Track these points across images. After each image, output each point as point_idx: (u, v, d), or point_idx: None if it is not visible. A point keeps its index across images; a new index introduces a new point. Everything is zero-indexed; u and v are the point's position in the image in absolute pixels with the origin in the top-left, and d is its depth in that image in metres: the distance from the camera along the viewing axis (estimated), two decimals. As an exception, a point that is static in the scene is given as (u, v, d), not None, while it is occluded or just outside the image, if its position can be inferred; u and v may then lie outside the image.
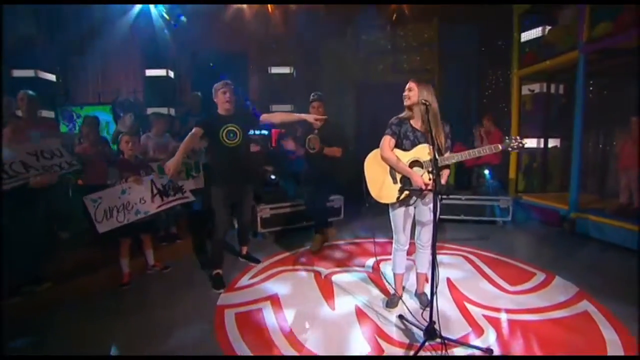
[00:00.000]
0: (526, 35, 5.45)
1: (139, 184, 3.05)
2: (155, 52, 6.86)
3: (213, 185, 3.09)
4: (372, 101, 7.37)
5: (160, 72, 7.06)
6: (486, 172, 5.03)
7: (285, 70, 7.48)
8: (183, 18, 6.63)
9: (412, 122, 2.44)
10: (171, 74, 7.10)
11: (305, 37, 7.17)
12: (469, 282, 3.15)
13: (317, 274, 3.33)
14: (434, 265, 2.01)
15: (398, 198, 2.16)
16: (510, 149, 2.26)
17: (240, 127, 3.05)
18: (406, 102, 2.41)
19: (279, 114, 3.39)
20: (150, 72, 7.03)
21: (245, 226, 3.55)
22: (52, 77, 6.84)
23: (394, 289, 2.78)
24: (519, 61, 5.48)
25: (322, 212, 4.06)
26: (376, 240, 4.22)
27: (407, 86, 2.41)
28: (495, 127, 5.21)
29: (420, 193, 2.13)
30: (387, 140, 2.43)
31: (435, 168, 2.04)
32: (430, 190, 2.13)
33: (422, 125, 2.40)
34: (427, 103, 2.23)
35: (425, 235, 2.55)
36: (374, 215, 4.97)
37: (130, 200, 2.99)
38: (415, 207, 2.53)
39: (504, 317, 2.57)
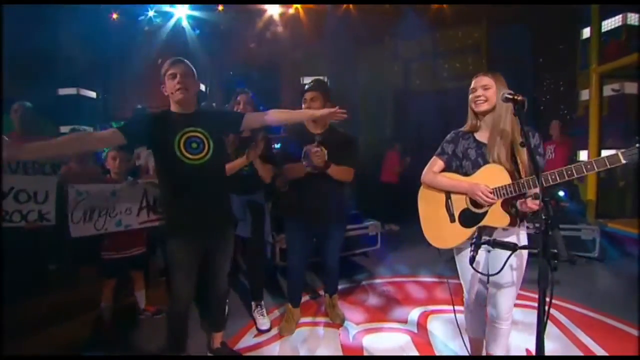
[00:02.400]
0: (606, 25, 4.22)
1: (133, 187, 2.33)
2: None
3: (169, 233, 1.82)
4: (413, 111, 6.40)
5: (192, 86, 6.62)
6: (561, 193, 3.80)
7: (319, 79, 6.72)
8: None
9: (477, 134, 1.61)
10: (202, 87, 6.64)
11: (339, 45, 6.40)
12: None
13: (344, 331, 2.40)
14: None
15: (473, 258, 1.19)
16: None
17: (207, 133, 1.79)
18: (481, 107, 1.55)
19: (276, 112, 1.95)
20: (182, 86, 6.64)
21: (217, 300, 2.07)
22: (92, 94, 6.66)
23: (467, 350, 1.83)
24: (598, 55, 4.22)
25: (335, 269, 2.55)
26: (421, 279, 3.21)
27: (477, 82, 1.56)
28: (565, 136, 4.01)
29: (512, 250, 1.14)
30: (432, 161, 1.72)
31: (544, 202, 1.04)
32: (528, 247, 1.14)
33: (493, 137, 1.53)
34: (516, 97, 1.28)
35: (504, 302, 1.57)
36: (417, 244, 3.93)
37: (116, 206, 2.25)
38: (488, 252, 1.60)
39: None
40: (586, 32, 5.09)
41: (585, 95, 5.40)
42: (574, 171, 1.27)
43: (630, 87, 4.47)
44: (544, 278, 0.99)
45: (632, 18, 4.29)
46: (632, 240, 3.74)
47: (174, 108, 1.79)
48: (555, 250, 0.97)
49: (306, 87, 2.29)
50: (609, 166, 1.22)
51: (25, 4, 4.31)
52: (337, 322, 2.48)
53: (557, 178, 1.25)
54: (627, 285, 3.08)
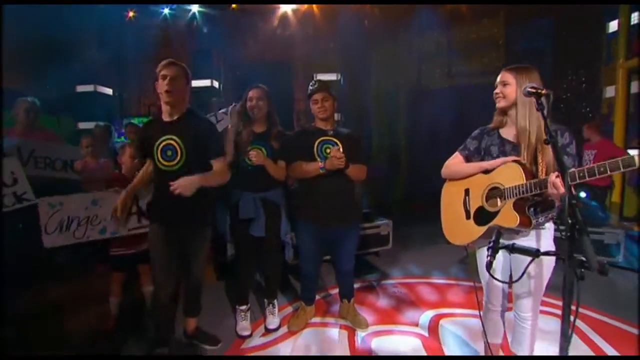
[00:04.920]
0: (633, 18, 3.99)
1: (117, 195, 2.29)
2: (201, 62, 6.47)
3: (150, 229, 2.01)
4: (427, 108, 6.24)
5: (205, 83, 6.65)
6: (582, 194, 3.61)
7: (332, 77, 6.64)
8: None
9: (502, 131, 1.56)
10: (215, 84, 6.65)
11: (353, 41, 6.30)
12: (585, 371, 1.94)
13: (352, 333, 2.33)
14: None
15: (490, 264, 1.10)
16: None
17: (182, 142, 1.84)
18: (499, 104, 1.52)
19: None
20: (195, 83, 6.68)
21: (193, 289, 2.15)
22: (109, 91, 6.76)
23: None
24: (627, 49, 3.99)
25: (351, 272, 2.45)
26: (434, 281, 3.12)
27: (499, 78, 1.52)
28: (601, 137, 3.75)
29: (534, 256, 1.05)
30: (453, 156, 1.71)
31: (570, 205, 0.96)
32: (552, 253, 1.05)
33: (518, 134, 1.47)
34: (540, 90, 1.18)
35: (527, 303, 1.53)
36: (430, 244, 3.83)
37: (99, 214, 2.23)
38: (510, 254, 1.53)
39: None
40: (612, 26, 4.84)
41: (609, 92, 5.15)
42: (595, 171, 1.15)
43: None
44: (569, 289, 0.90)
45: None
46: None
47: (162, 114, 1.89)
48: (583, 258, 0.87)
49: (312, 89, 2.24)
50: (622, 169, 1.09)
51: (28, 4, 4.34)
52: (362, 328, 2.36)
53: (580, 177, 1.15)
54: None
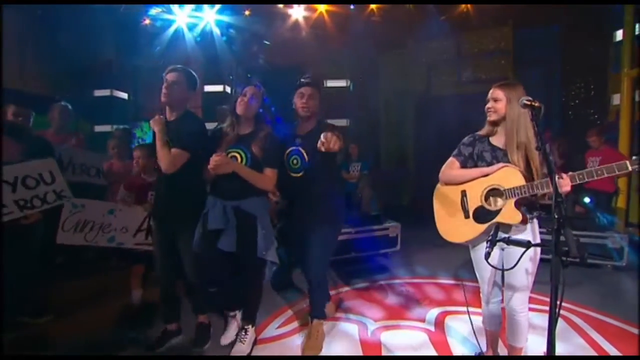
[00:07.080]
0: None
1: (129, 207, 2.51)
2: (214, 68, 6.72)
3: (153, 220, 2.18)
4: (436, 115, 6.40)
5: (218, 88, 6.89)
6: (586, 200, 3.74)
7: (342, 83, 6.85)
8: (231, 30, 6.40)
9: (492, 139, 1.73)
10: (228, 89, 6.89)
11: (362, 48, 6.50)
12: (583, 365, 2.07)
13: (363, 327, 2.50)
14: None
15: (489, 254, 1.28)
16: None
17: (173, 140, 1.95)
18: (491, 117, 1.69)
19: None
20: (208, 88, 6.91)
21: (191, 284, 2.23)
22: (124, 95, 7.04)
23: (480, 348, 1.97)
24: (631, 59, 4.13)
25: (317, 285, 2.24)
26: (440, 281, 3.27)
27: (491, 94, 1.69)
28: (605, 145, 3.85)
29: (527, 247, 1.22)
30: (449, 162, 1.83)
31: (557, 203, 1.12)
32: (542, 244, 1.22)
33: (509, 143, 1.64)
34: (534, 103, 1.35)
35: (518, 298, 1.68)
36: (436, 246, 3.98)
37: (112, 223, 2.45)
38: (502, 250, 1.70)
39: None
40: (619, 35, 4.97)
41: (617, 99, 5.26)
42: (584, 175, 1.35)
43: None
44: (555, 275, 1.07)
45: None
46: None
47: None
48: (567, 248, 1.04)
49: (302, 81, 2.13)
50: (618, 172, 1.27)
51: (27, 4, 4.57)
52: (306, 353, 2.12)
53: (580, 178, 1.32)
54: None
